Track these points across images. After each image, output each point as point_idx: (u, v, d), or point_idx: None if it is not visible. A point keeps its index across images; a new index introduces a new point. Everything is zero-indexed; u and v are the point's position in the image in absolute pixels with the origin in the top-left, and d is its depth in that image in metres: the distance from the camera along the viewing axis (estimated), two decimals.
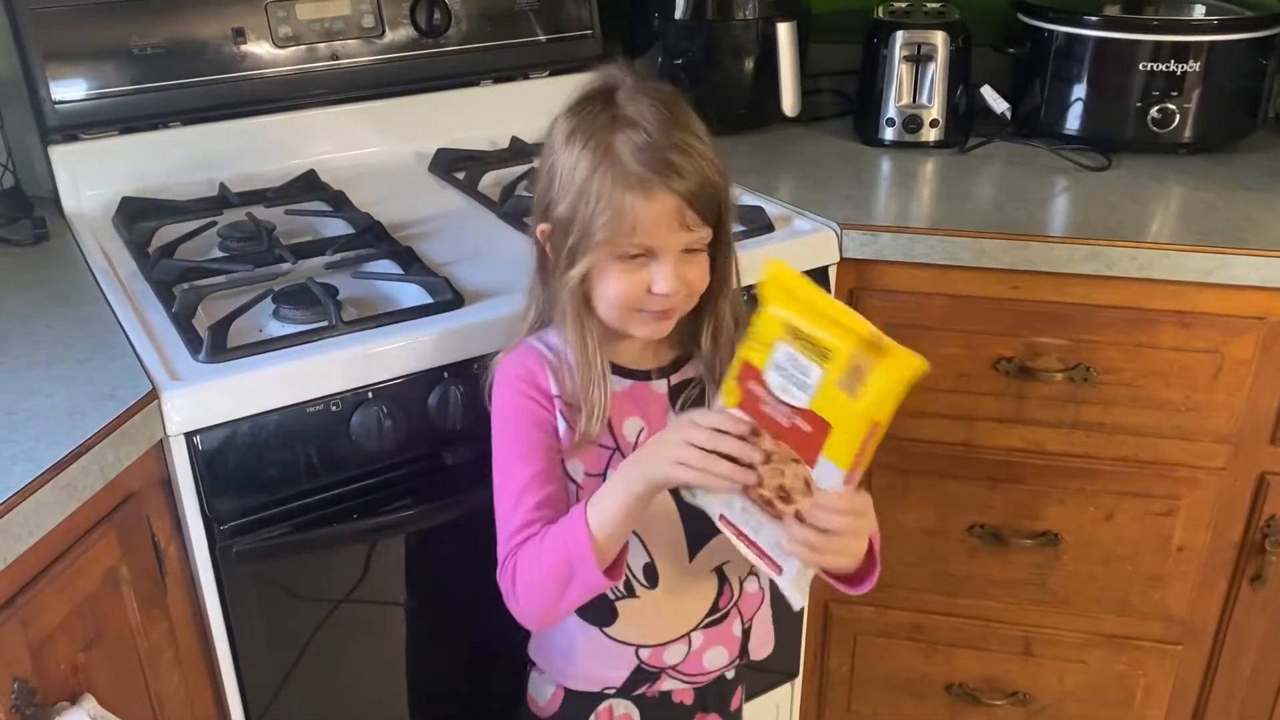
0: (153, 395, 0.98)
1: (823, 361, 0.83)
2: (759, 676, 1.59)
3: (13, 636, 0.85)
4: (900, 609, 1.59)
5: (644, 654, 1.08)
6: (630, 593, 1.05)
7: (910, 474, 1.49)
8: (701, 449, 0.87)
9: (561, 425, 1.00)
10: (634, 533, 1.01)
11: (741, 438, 0.87)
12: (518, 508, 0.98)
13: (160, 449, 1.01)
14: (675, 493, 1.00)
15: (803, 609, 1.03)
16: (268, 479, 1.05)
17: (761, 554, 0.91)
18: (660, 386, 1.03)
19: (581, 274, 0.94)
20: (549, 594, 0.95)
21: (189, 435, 1.00)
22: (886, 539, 1.52)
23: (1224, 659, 1.51)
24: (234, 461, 1.03)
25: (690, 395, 1.04)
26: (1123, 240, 1.30)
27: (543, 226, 0.97)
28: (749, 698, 1.56)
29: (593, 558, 0.92)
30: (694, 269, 0.96)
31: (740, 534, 0.92)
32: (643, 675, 1.10)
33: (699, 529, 1.04)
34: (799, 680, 1.64)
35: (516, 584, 0.97)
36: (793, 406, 0.85)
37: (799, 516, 0.86)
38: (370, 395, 1.07)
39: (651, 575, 1.05)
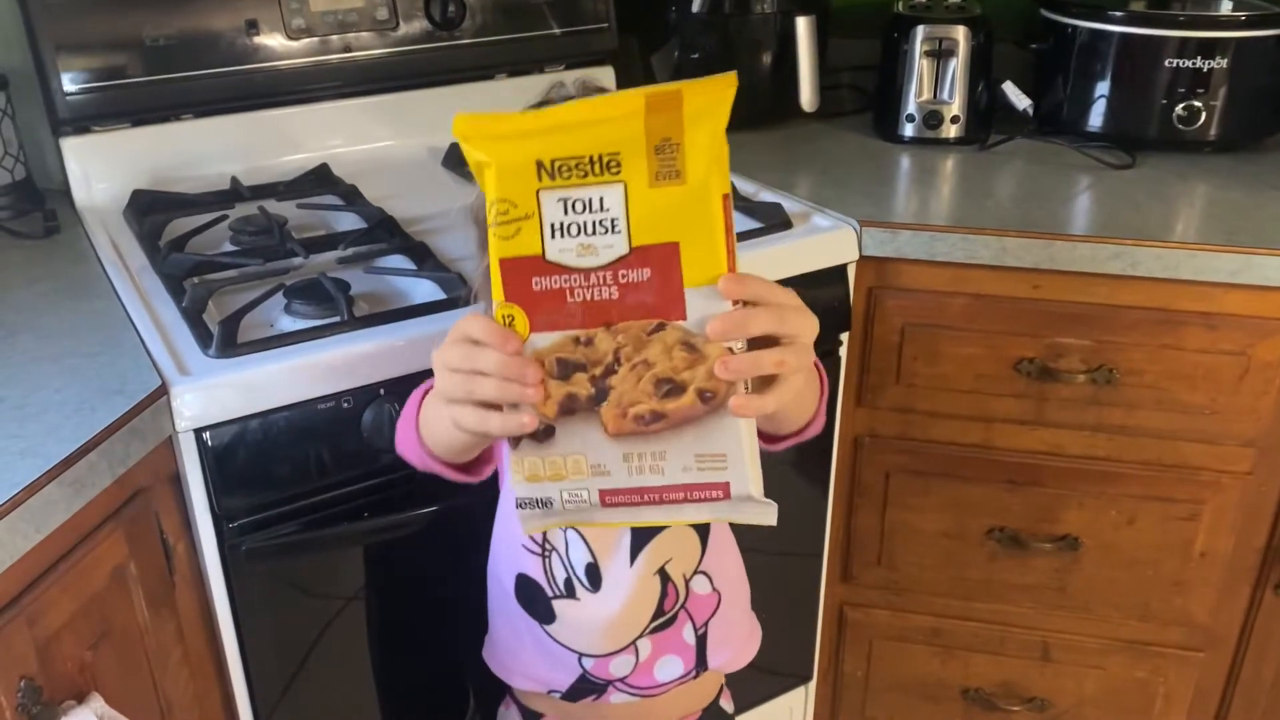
0: (162, 390, 0.96)
1: (613, 172, 0.59)
2: (772, 680, 1.57)
3: (19, 634, 0.84)
4: (917, 613, 1.58)
5: (588, 663, 1.04)
6: (570, 593, 1.00)
7: (928, 476, 1.47)
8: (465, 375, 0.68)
9: None
10: (578, 532, 0.99)
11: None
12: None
13: (169, 445, 0.99)
14: None
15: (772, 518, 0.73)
16: (278, 476, 1.04)
17: (689, 491, 0.64)
18: None
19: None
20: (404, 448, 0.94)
21: (199, 431, 0.99)
22: (903, 541, 1.52)
23: (1246, 667, 1.49)
24: (244, 458, 1.01)
25: None
26: (1148, 240, 1.28)
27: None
28: (761, 700, 1.56)
29: (421, 452, 0.90)
30: None
31: (641, 496, 0.64)
32: (588, 685, 1.05)
33: (643, 530, 0.99)
34: (813, 683, 1.63)
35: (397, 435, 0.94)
36: (612, 262, 0.60)
37: (707, 394, 0.62)
38: (382, 392, 1.06)
39: (594, 577, 1.00)
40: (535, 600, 1.01)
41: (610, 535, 1.00)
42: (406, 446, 0.94)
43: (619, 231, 0.59)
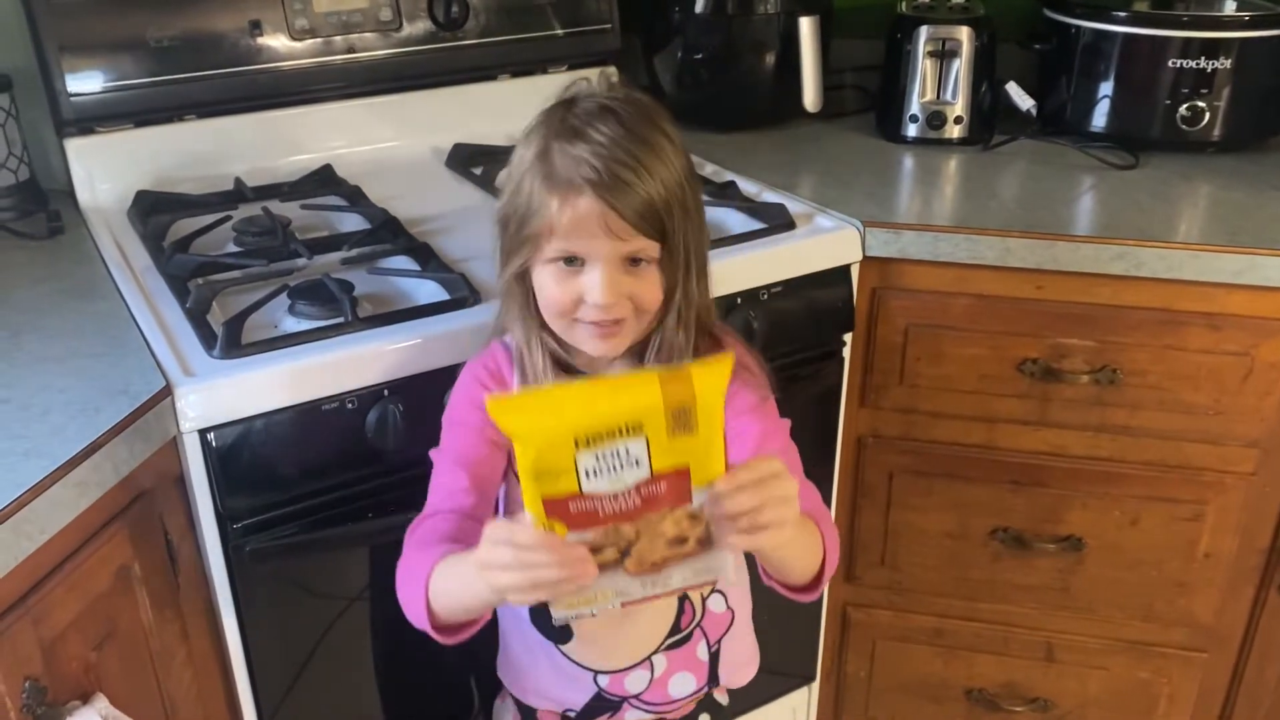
0: (166, 391, 0.97)
1: (637, 433, 0.73)
2: (775, 680, 1.57)
3: (24, 635, 0.84)
4: (920, 613, 1.58)
5: (603, 680, 1.04)
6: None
7: (931, 476, 1.47)
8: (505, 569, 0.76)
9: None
10: None
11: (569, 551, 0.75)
12: (435, 503, 0.96)
13: (174, 446, 1.00)
14: None
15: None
16: (282, 477, 1.04)
17: (689, 587, 0.81)
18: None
19: (513, 271, 0.92)
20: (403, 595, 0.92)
21: (203, 432, 0.99)
22: (907, 542, 1.52)
23: (1250, 667, 1.49)
24: (248, 459, 1.01)
25: None
26: (1151, 240, 1.28)
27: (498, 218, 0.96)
28: (765, 701, 1.56)
29: (425, 617, 0.88)
30: (641, 283, 0.90)
31: (654, 598, 0.80)
32: (603, 703, 1.05)
33: None
34: (816, 684, 1.62)
35: (399, 572, 0.92)
36: (636, 484, 0.74)
37: (704, 541, 0.77)
38: (386, 393, 1.06)
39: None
40: (550, 621, 1.01)
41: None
42: (410, 606, 0.90)
43: (642, 465, 0.74)
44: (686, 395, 0.73)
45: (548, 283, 0.91)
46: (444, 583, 0.86)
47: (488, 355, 1.00)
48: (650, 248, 0.89)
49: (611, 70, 1.70)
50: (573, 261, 0.89)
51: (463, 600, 0.86)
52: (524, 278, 0.93)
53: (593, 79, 0.94)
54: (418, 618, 0.89)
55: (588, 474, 0.73)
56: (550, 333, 0.95)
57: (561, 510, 0.74)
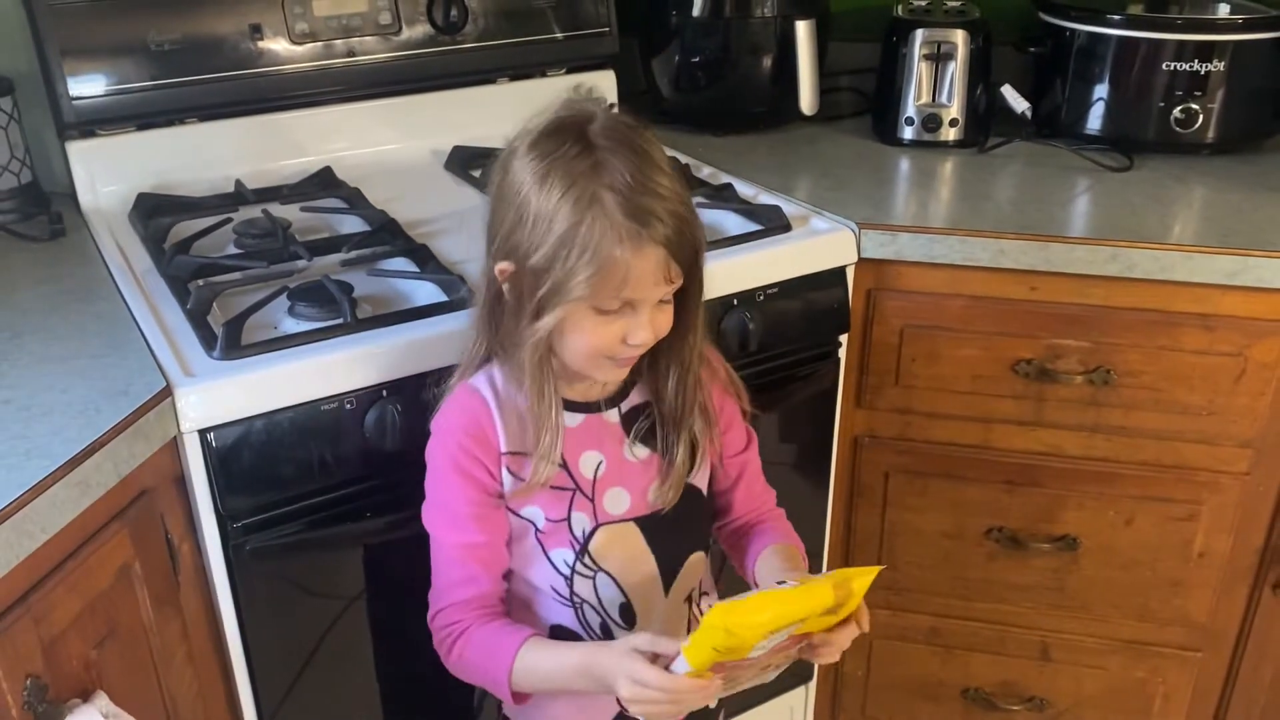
0: (167, 392, 0.97)
1: (802, 624, 0.87)
2: (773, 679, 1.58)
3: (25, 633, 0.85)
4: (916, 612, 1.58)
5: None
6: (608, 635, 1.02)
7: (927, 476, 1.48)
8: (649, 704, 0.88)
9: (508, 480, 0.97)
10: (609, 575, 1.01)
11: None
12: (461, 572, 0.99)
13: (174, 446, 1.00)
14: (642, 526, 1.00)
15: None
16: (282, 476, 1.05)
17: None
18: (612, 416, 1.00)
19: (552, 326, 0.89)
20: (475, 683, 1.01)
21: (203, 432, 1.00)
22: (903, 541, 1.53)
23: (1245, 666, 1.50)
24: (248, 459, 1.02)
25: (643, 427, 1.00)
26: (1145, 242, 1.29)
27: (503, 266, 0.90)
28: (762, 700, 1.56)
29: (508, 694, 0.96)
30: (664, 316, 0.92)
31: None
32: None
33: (671, 562, 1.03)
34: (813, 683, 1.63)
35: (452, 655, 0.99)
36: (772, 647, 0.88)
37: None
38: (384, 393, 1.07)
39: (629, 616, 1.02)
40: None
41: (640, 575, 1.02)
42: (490, 686, 0.98)
43: (792, 628, 0.87)
44: (845, 598, 0.87)
45: (591, 329, 0.89)
46: (538, 674, 0.95)
47: (464, 411, 0.97)
48: (679, 284, 0.91)
49: (595, 77, 1.72)
50: (624, 305, 0.89)
51: (559, 689, 0.97)
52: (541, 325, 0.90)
53: (576, 98, 0.91)
54: (498, 692, 0.97)
55: (759, 648, 0.86)
56: (554, 369, 0.94)
57: (719, 667, 0.86)
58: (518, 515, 0.99)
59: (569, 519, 0.99)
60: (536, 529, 1.00)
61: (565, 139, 0.87)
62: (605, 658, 0.90)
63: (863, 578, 0.88)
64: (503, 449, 0.96)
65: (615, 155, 0.86)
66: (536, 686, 0.96)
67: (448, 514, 0.99)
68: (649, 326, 0.90)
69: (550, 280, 0.87)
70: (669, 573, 1.04)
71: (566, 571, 1.00)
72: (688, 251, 0.88)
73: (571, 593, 1.01)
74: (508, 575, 1.02)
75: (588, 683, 0.92)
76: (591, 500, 0.99)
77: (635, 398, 1.01)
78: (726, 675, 0.88)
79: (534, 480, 0.96)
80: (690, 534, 1.06)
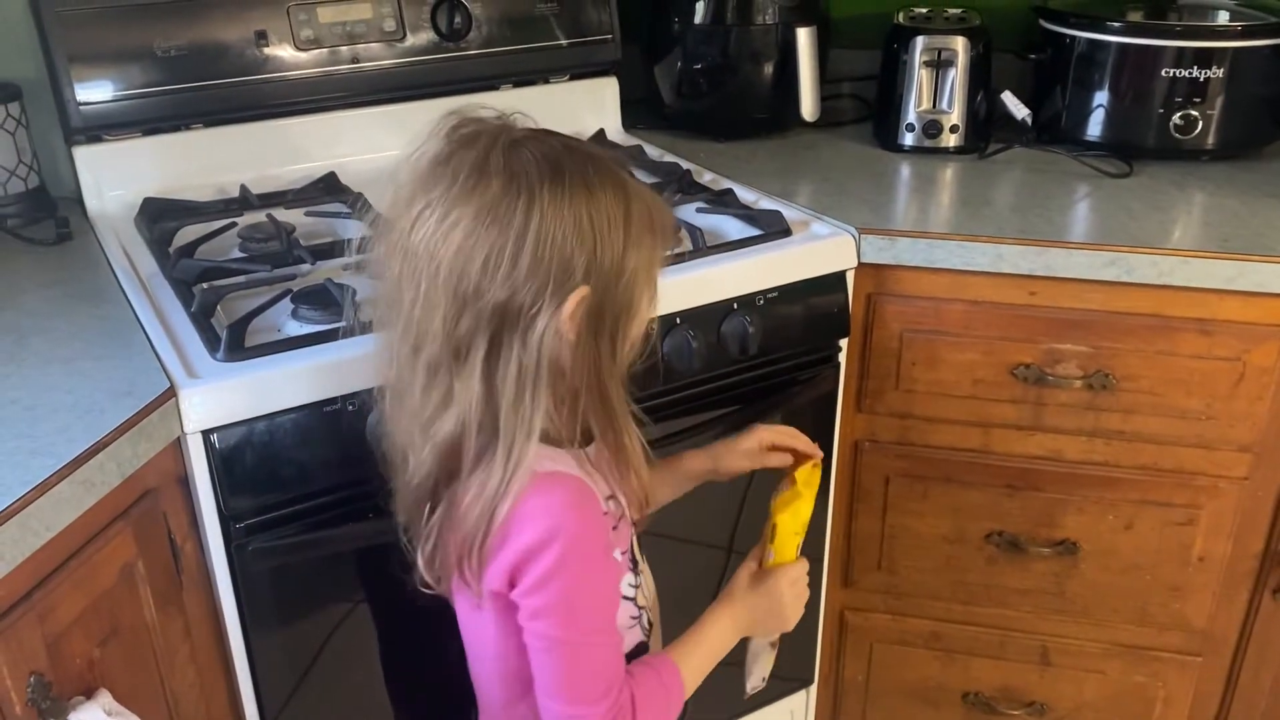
0: (170, 393, 0.98)
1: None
2: (773, 683, 1.58)
3: (29, 630, 0.85)
4: (916, 617, 1.59)
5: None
6: (652, 630, 1.05)
7: (927, 480, 1.48)
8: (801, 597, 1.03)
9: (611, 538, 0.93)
10: (644, 570, 1.03)
11: None
12: (617, 647, 0.92)
13: (177, 446, 1.01)
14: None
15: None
16: (284, 477, 1.05)
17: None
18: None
19: (644, 324, 0.88)
20: None
21: (206, 433, 1.01)
22: (903, 546, 1.53)
23: (1245, 671, 1.50)
24: (251, 460, 1.03)
25: None
26: (1143, 247, 1.29)
27: (580, 294, 0.81)
28: (763, 704, 1.57)
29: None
30: None
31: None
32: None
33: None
34: (814, 688, 1.63)
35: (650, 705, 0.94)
36: None
37: None
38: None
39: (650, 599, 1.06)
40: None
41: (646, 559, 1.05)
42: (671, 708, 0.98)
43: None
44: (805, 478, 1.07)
45: (649, 311, 0.88)
46: (697, 677, 0.99)
47: (580, 497, 0.87)
48: None
49: (596, 84, 1.75)
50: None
51: (709, 669, 1.01)
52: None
53: (467, 116, 0.87)
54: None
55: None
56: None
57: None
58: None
59: (632, 544, 0.99)
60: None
61: (542, 158, 0.81)
62: (753, 599, 1.01)
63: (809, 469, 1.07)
64: (604, 510, 0.92)
65: (579, 145, 0.86)
66: (696, 685, 1.00)
67: (610, 605, 0.92)
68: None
69: (641, 269, 0.84)
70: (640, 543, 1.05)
71: (632, 593, 1.00)
72: None
73: (639, 609, 1.01)
74: None
75: (739, 635, 1.02)
76: (626, 510, 0.97)
77: None
78: None
79: (634, 521, 0.95)
80: None
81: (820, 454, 1.10)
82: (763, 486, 1.12)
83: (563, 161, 0.81)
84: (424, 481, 0.88)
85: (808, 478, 1.05)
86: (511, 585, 0.87)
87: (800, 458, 1.09)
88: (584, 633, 0.88)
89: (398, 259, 0.83)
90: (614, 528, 0.93)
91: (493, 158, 0.81)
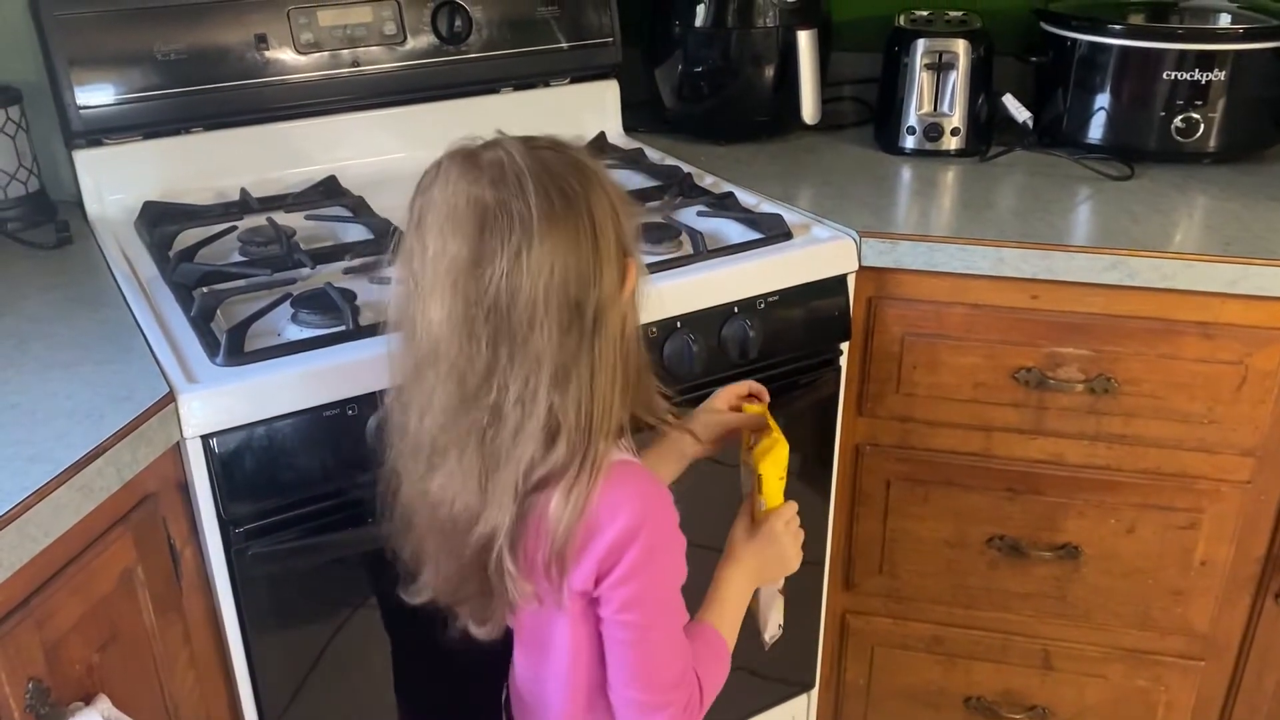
0: (170, 398, 0.98)
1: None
2: (774, 687, 1.58)
3: (27, 636, 0.85)
4: (918, 620, 1.58)
5: None
6: None
7: (929, 484, 1.48)
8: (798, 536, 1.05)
9: None
10: None
11: None
12: (687, 655, 0.93)
13: (177, 451, 1.01)
14: None
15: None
16: (284, 482, 1.05)
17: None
18: None
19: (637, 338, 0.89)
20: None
21: (205, 438, 1.01)
22: (904, 550, 1.53)
23: (1247, 676, 1.49)
24: (250, 464, 1.03)
25: None
26: (1145, 250, 1.29)
27: (632, 265, 0.86)
28: (764, 708, 1.57)
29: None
30: None
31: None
32: None
33: None
34: (815, 691, 1.63)
35: (704, 702, 0.95)
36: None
37: None
38: (386, 400, 1.07)
39: None
40: None
41: None
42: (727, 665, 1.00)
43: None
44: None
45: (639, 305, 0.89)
46: (731, 632, 1.00)
47: (656, 489, 0.88)
48: None
49: (596, 87, 1.75)
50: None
51: (739, 619, 1.03)
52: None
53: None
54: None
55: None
56: None
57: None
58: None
59: None
60: None
61: (547, 167, 0.82)
62: (755, 546, 1.03)
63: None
64: None
65: (569, 144, 0.86)
66: (734, 643, 1.01)
67: (681, 587, 0.92)
68: None
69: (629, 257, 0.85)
70: None
71: None
72: None
73: None
74: None
75: (752, 585, 1.04)
76: None
77: None
78: None
79: None
80: None
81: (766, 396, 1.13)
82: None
83: (566, 156, 0.83)
84: (492, 532, 0.85)
85: (772, 423, 1.08)
86: (598, 581, 0.86)
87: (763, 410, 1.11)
88: (669, 618, 0.90)
89: (485, 317, 0.81)
90: None
91: (533, 181, 0.80)
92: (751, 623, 1.10)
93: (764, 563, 1.04)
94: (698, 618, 1.00)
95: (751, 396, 1.13)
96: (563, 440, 0.82)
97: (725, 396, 1.13)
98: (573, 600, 0.89)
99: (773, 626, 1.12)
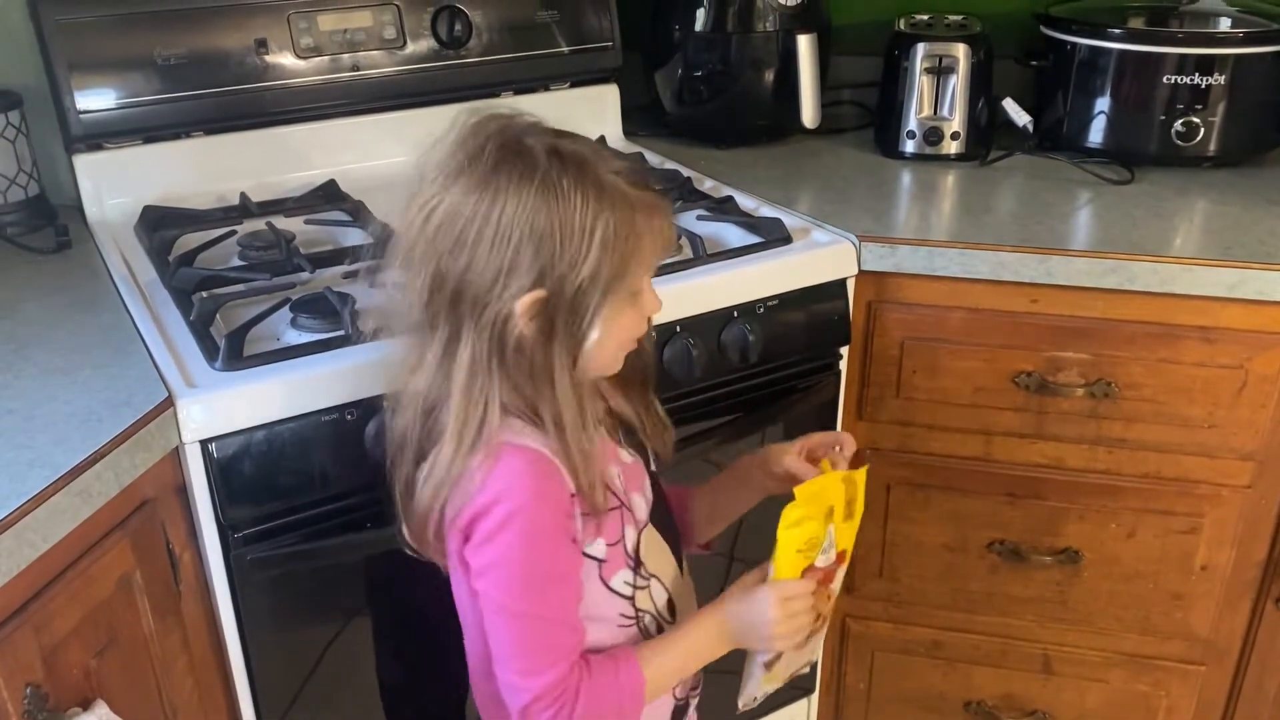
0: (169, 403, 0.98)
1: (831, 518, 0.97)
2: (775, 691, 1.57)
3: (25, 641, 0.85)
4: (919, 625, 1.58)
5: (677, 689, 1.06)
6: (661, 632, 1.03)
7: (929, 488, 1.48)
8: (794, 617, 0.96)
9: (578, 522, 0.93)
10: (655, 577, 1.02)
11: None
12: (569, 630, 0.93)
13: (175, 456, 1.01)
14: (655, 523, 1.01)
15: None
16: (282, 487, 1.05)
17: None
18: (601, 428, 0.98)
19: (600, 331, 0.87)
20: None
21: (204, 443, 1.01)
22: (904, 554, 1.53)
23: (1248, 680, 1.49)
24: (249, 469, 1.03)
25: (616, 429, 1.00)
26: (1145, 254, 1.29)
27: (534, 297, 0.84)
28: (765, 713, 1.56)
29: (642, 708, 0.96)
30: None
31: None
32: (679, 710, 1.08)
33: (675, 545, 1.05)
34: (815, 696, 1.63)
35: (575, 712, 0.93)
36: (828, 564, 1.00)
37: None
38: (385, 404, 1.07)
39: (672, 610, 1.04)
40: None
41: (667, 564, 1.04)
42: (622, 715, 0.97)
43: (832, 547, 0.99)
44: (852, 491, 0.99)
45: (625, 316, 0.89)
46: (666, 679, 0.98)
47: (538, 473, 0.89)
48: None
49: (597, 91, 1.74)
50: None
51: (688, 674, 1.01)
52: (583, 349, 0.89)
53: (475, 123, 0.89)
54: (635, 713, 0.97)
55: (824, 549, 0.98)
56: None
57: (809, 573, 0.98)
58: (587, 556, 0.95)
59: (623, 536, 0.98)
60: (600, 563, 0.97)
61: (526, 156, 0.84)
62: (738, 607, 0.97)
63: (859, 472, 1.00)
64: (571, 492, 0.91)
65: (578, 147, 0.87)
66: (666, 686, 1.00)
67: (558, 583, 0.92)
68: (658, 295, 0.93)
69: (600, 282, 0.85)
70: (678, 555, 1.06)
71: (629, 592, 0.99)
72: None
73: (636, 611, 1.00)
74: None
75: (724, 644, 0.98)
76: (630, 510, 0.98)
77: (601, 402, 1.00)
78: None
79: (599, 508, 0.92)
80: (669, 514, 1.08)
81: (844, 467, 1.03)
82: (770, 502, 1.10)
83: (543, 162, 0.84)
84: (405, 433, 0.93)
85: (818, 492, 0.96)
86: (465, 545, 0.91)
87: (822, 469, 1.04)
88: (527, 604, 0.90)
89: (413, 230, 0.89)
90: (594, 519, 0.93)
91: (489, 146, 0.85)
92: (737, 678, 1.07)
93: (741, 627, 0.97)
94: (645, 644, 0.98)
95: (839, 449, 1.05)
96: (423, 379, 0.90)
97: (813, 440, 1.06)
98: (457, 563, 0.94)
99: (746, 695, 1.07)
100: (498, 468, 0.88)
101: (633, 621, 1.01)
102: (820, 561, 0.98)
